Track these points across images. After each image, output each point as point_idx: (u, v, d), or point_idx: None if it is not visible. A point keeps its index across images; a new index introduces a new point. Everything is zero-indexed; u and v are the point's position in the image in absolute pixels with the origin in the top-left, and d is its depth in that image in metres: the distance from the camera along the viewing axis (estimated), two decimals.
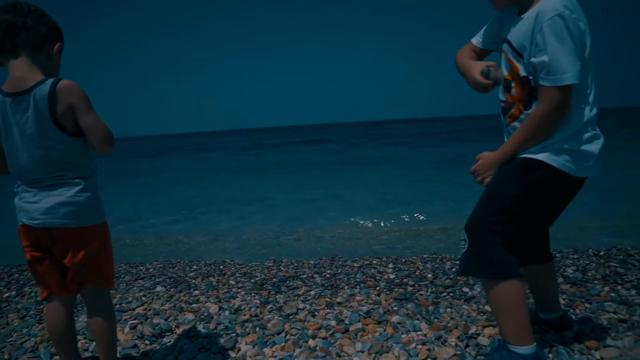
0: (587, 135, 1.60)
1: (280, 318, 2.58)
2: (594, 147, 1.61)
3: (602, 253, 3.85)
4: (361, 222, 6.77)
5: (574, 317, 2.30)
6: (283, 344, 2.19)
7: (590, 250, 3.98)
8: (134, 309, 2.93)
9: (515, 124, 1.70)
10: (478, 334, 2.16)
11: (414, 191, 9.44)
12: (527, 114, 1.64)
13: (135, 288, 3.50)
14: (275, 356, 2.09)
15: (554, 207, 1.76)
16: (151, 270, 4.23)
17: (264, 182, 12.86)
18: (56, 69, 1.74)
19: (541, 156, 1.59)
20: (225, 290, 3.29)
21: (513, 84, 1.68)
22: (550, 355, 1.88)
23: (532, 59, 1.56)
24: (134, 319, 2.67)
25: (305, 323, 2.48)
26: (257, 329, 2.43)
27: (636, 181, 8.38)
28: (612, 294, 2.69)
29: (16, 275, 4.34)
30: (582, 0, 1.57)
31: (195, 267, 4.33)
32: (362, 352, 2.05)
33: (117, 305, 3.03)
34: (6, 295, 3.53)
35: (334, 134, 53.57)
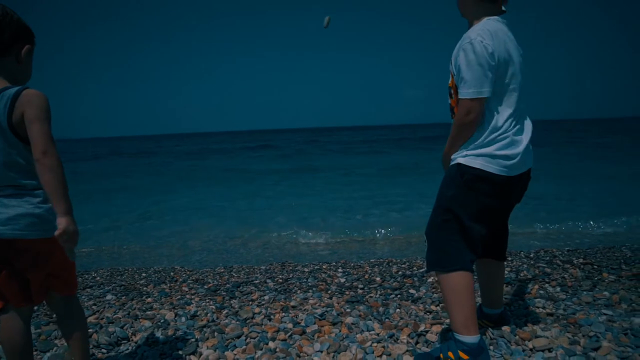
0: (504, 141, 1.82)
1: (237, 322, 2.64)
2: (510, 151, 1.83)
3: (532, 255, 4.21)
4: (308, 229, 6.86)
5: (510, 313, 2.54)
6: (244, 346, 2.26)
7: (522, 253, 4.34)
8: (85, 318, 2.87)
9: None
10: (427, 331, 2.34)
11: (359, 199, 9.73)
12: None
13: (83, 297, 3.42)
14: (237, 359, 2.16)
15: (492, 206, 1.92)
16: (98, 278, 4.12)
17: (208, 189, 12.69)
18: (27, 72, 1.70)
19: (465, 160, 1.87)
20: (179, 297, 3.29)
21: (452, 91, 1.94)
22: (491, 347, 2.08)
23: (454, 74, 1.86)
24: (88, 329, 2.62)
25: (263, 326, 2.56)
26: (216, 333, 2.48)
27: (567, 191, 9.12)
28: (541, 292, 2.99)
29: None
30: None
31: (144, 274, 4.27)
32: (321, 351, 2.16)
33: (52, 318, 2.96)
34: None
35: (278, 140, 53.59)
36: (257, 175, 16.34)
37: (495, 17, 1.87)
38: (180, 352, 2.25)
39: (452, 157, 1.94)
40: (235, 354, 2.20)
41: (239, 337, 2.39)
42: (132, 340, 2.48)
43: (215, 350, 2.24)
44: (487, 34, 1.78)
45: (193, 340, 2.40)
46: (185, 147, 45.85)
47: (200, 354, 2.22)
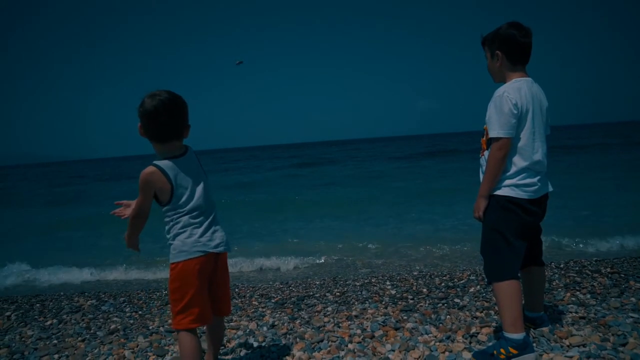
0: (527, 172, 2.34)
1: (313, 330, 3.13)
2: (530, 180, 2.34)
3: (562, 265, 4.61)
4: (340, 246, 7.24)
5: (547, 316, 2.97)
6: (328, 348, 2.74)
7: (553, 263, 4.74)
8: None
9: (483, 158, 2.47)
10: (477, 333, 2.79)
11: (387, 213, 10.13)
12: (488, 152, 2.40)
13: (168, 311, 3.95)
14: (325, 358, 2.64)
15: (525, 222, 2.40)
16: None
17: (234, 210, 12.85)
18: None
19: (501, 192, 2.37)
20: (252, 310, 3.79)
21: (485, 133, 2.45)
22: (534, 344, 2.52)
23: (487, 120, 2.38)
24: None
25: (336, 332, 3.03)
26: (298, 339, 2.96)
27: (586, 204, 9.38)
28: (573, 299, 3.40)
29: (38, 305, 4.67)
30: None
31: None
32: (394, 350, 2.63)
33: (161, 327, 3.49)
34: (49, 323, 3.90)
35: (312, 156, 54.07)
36: (277, 191, 16.71)
37: (521, 79, 2.39)
38: (276, 354, 2.74)
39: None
40: (323, 355, 2.68)
41: (321, 341, 2.87)
42: (228, 346, 2.98)
43: (304, 352, 2.72)
44: (512, 89, 2.33)
45: (282, 344, 2.89)
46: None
47: (294, 355, 2.71)
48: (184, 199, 2.12)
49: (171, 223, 2.15)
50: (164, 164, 2.08)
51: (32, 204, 19.18)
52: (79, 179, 36.01)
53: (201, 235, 2.13)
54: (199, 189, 2.16)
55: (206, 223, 2.17)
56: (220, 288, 2.30)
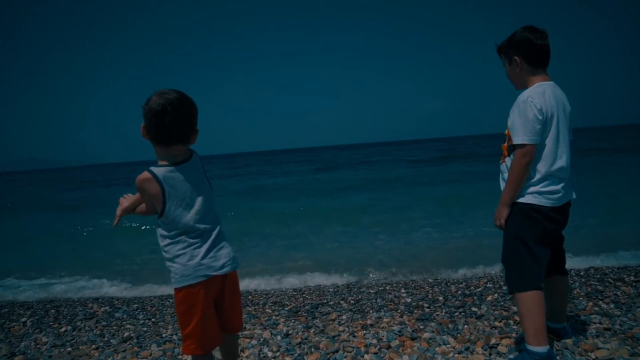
0: (551, 179, 2.28)
1: (327, 339, 3.07)
2: (554, 187, 2.28)
3: (582, 273, 4.49)
4: (354, 252, 7.16)
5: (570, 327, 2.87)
6: (344, 359, 2.69)
7: (572, 271, 4.61)
8: None
9: (504, 165, 2.40)
10: (497, 344, 2.71)
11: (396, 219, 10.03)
12: (509, 159, 2.34)
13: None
14: None
15: (548, 230, 2.34)
16: None
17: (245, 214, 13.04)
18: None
19: (524, 199, 2.30)
20: (266, 318, 3.75)
21: (507, 138, 2.38)
22: (558, 358, 2.44)
23: (510, 126, 2.31)
24: None
25: (351, 342, 2.97)
26: (313, 349, 2.91)
27: (603, 209, 9.17)
28: (596, 308, 3.30)
29: (52, 311, 4.68)
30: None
31: None
32: None
33: (174, 335, 3.46)
34: (63, 330, 3.90)
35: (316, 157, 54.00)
36: (288, 197, 16.70)
37: (544, 83, 2.32)
38: None
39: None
40: None
41: (336, 351, 2.81)
42: (243, 355, 2.94)
43: None
44: (536, 94, 2.25)
45: (297, 355, 2.84)
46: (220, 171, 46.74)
47: None
48: (178, 211, 1.90)
49: (168, 240, 1.92)
50: (160, 171, 1.89)
51: (44, 208, 19.38)
52: (90, 183, 36.40)
53: (204, 257, 1.90)
54: (199, 202, 1.94)
55: (209, 241, 1.94)
56: (229, 307, 2.06)
